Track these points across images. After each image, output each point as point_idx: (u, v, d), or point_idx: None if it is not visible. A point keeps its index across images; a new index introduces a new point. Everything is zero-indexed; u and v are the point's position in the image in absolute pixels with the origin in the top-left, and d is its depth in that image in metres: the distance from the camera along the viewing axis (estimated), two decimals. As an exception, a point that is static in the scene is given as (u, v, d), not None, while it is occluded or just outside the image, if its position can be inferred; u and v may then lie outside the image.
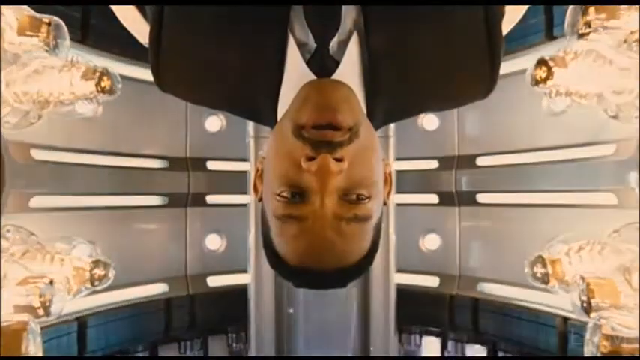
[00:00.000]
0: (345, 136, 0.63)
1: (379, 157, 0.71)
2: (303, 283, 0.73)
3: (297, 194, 0.65)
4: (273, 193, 0.67)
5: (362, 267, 0.71)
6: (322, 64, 0.71)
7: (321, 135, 0.62)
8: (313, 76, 0.71)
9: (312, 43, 0.72)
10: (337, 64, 0.71)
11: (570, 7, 1.89)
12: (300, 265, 0.68)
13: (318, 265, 0.67)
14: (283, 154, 0.66)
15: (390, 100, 0.75)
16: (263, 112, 0.75)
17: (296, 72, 0.72)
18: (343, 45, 0.72)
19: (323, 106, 0.63)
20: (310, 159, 0.63)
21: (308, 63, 0.71)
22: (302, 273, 0.69)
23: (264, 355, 3.03)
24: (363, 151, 0.66)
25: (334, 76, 0.70)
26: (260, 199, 0.77)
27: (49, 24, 1.90)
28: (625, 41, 1.87)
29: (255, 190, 0.79)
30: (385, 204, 0.76)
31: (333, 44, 0.72)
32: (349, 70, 0.72)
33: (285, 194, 0.66)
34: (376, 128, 0.78)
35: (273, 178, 0.68)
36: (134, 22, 0.91)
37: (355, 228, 0.66)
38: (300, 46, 0.72)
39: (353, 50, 0.72)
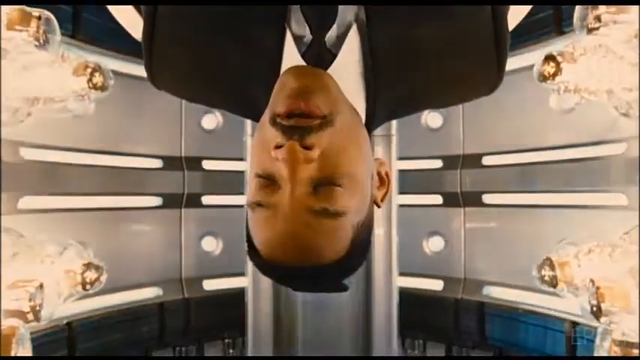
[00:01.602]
0: (314, 121, 0.63)
1: (362, 150, 0.70)
2: (277, 279, 0.73)
3: (270, 183, 0.65)
4: (250, 180, 0.68)
5: (341, 270, 0.70)
6: (318, 56, 0.71)
7: (291, 121, 0.63)
8: None
9: (308, 35, 0.72)
10: (334, 56, 0.71)
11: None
12: (271, 258, 0.67)
13: (287, 260, 0.66)
14: (260, 141, 0.67)
15: (392, 96, 0.75)
16: (260, 108, 0.76)
17: (292, 65, 0.71)
18: (341, 37, 0.72)
19: (296, 94, 0.64)
20: (279, 146, 0.63)
21: (304, 55, 0.71)
22: (273, 267, 0.68)
23: (263, 355, 3.02)
24: (338, 140, 0.65)
25: (331, 69, 0.70)
26: None
27: (38, 18, 1.90)
28: (636, 36, 1.87)
29: None
30: (379, 206, 0.75)
31: (331, 36, 0.72)
32: (347, 63, 0.72)
33: (257, 182, 0.66)
34: (378, 125, 0.78)
35: (250, 167, 0.69)
36: (128, 17, 0.91)
37: (326, 223, 0.65)
38: (297, 38, 0.72)
39: (352, 43, 0.72)
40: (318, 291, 0.74)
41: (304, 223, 0.65)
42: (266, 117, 0.68)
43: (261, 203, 0.66)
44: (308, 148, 0.63)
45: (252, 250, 0.72)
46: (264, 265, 0.70)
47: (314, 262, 0.66)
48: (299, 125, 0.63)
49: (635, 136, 2.20)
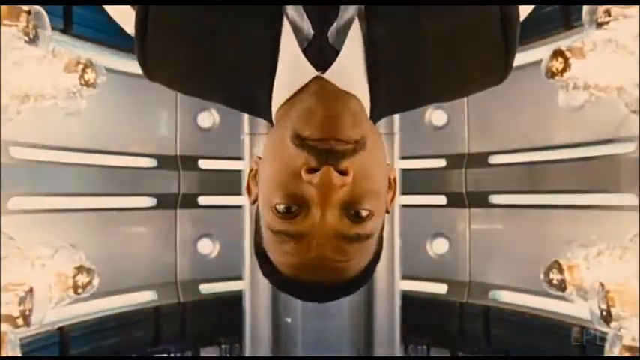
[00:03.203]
0: (348, 146, 0.63)
1: (385, 168, 0.71)
2: (296, 295, 0.74)
3: (296, 206, 0.65)
4: (269, 204, 0.67)
5: (362, 280, 0.72)
6: (320, 53, 0.71)
7: (325, 144, 0.62)
8: (310, 66, 0.70)
9: (309, 30, 0.72)
10: (337, 53, 0.71)
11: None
12: (295, 278, 0.68)
13: (314, 280, 0.67)
14: (282, 162, 0.66)
15: (395, 90, 0.75)
16: (257, 103, 0.75)
17: (292, 61, 0.71)
18: (343, 32, 0.71)
19: (327, 122, 0.63)
20: (312, 170, 0.62)
21: (305, 52, 0.71)
22: (297, 286, 0.69)
23: (262, 355, 3.03)
24: (369, 163, 0.65)
25: (334, 66, 0.70)
26: (253, 202, 0.77)
27: (28, 12, 1.90)
28: (647, 30, 1.87)
29: (249, 191, 0.79)
30: (387, 212, 0.75)
31: (332, 31, 0.72)
32: (350, 60, 0.71)
33: (281, 208, 0.65)
34: (380, 118, 0.78)
35: (270, 187, 0.67)
36: (120, 11, 0.91)
37: (357, 247, 0.67)
38: (297, 33, 0.71)
39: (355, 38, 0.71)
40: (333, 300, 0.75)
41: (336, 250, 0.66)
42: (283, 134, 0.66)
43: (289, 233, 0.66)
44: (342, 172, 0.62)
45: (269, 268, 0.72)
46: (286, 282, 0.70)
47: (340, 280, 0.68)
48: (334, 150, 0.62)
49: (647, 134, 2.20)
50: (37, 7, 1.93)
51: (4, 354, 1.79)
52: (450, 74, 0.76)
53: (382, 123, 0.80)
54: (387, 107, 0.77)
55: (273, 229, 0.67)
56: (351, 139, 0.64)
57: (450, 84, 0.78)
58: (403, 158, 3.07)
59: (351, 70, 0.72)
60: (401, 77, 0.74)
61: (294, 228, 0.65)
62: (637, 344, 1.82)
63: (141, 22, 0.73)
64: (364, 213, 0.66)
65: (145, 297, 3.03)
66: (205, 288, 3.23)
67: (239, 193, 3.09)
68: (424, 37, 0.72)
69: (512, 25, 0.73)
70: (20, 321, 1.86)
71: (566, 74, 2.13)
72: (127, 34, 0.81)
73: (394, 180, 0.79)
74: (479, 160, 3.06)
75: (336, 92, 0.69)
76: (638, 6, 1.84)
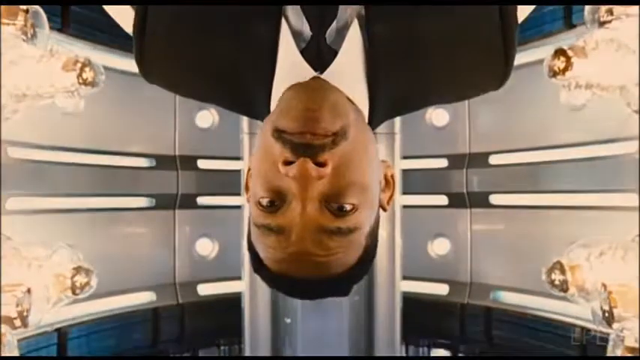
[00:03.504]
0: (327, 139, 0.63)
1: (373, 158, 0.70)
2: (285, 291, 0.73)
3: (278, 200, 0.65)
4: (254, 198, 0.68)
5: (352, 277, 0.71)
6: (318, 53, 0.71)
7: (301, 138, 0.62)
8: (308, 67, 0.70)
9: (307, 31, 0.72)
10: (335, 53, 0.71)
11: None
12: (282, 273, 0.68)
13: (300, 275, 0.67)
14: (263, 155, 0.66)
15: (395, 92, 0.75)
16: (255, 105, 0.75)
17: (290, 62, 0.71)
18: (342, 33, 0.71)
19: (304, 115, 0.63)
20: (289, 163, 0.62)
21: (303, 52, 0.71)
22: (283, 280, 0.69)
23: (261, 356, 3.03)
24: (351, 154, 0.65)
25: (332, 67, 0.70)
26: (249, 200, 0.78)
27: (26, 11, 1.90)
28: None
29: (247, 190, 0.79)
30: (385, 209, 0.75)
31: (331, 32, 0.72)
32: (349, 61, 0.71)
33: (265, 202, 0.66)
34: (380, 122, 0.77)
35: (256, 182, 0.68)
36: (119, 9, 0.90)
37: (339, 240, 0.66)
38: (295, 33, 0.71)
39: (353, 38, 0.71)
40: (325, 297, 0.75)
41: (317, 243, 0.65)
42: (265, 128, 0.67)
43: (270, 226, 0.66)
44: (320, 164, 0.63)
45: (258, 263, 0.72)
46: (273, 279, 0.70)
47: (327, 276, 0.68)
48: (311, 144, 0.63)
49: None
50: (35, 6, 1.93)
51: (2, 355, 1.79)
52: (449, 76, 0.76)
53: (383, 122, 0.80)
54: (386, 109, 0.77)
55: (257, 223, 0.68)
56: (329, 131, 0.63)
57: (449, 86, 0.78)
58: (404, 158, 3.07)
59: (349, 70, 0.71)
60: (400, 78, 0.74)
61: (275, 222, 0.66)
62: (639, 345, 1.82)
63: (139, 22, 0.73)
64: (348, 207, 0.65)
65: (143, 298, 3.03)
66: (204, 289, 3.22)
67: (238, 193, 3.09)
68: (423, 38, 0.72)
69: (511, 28, 0.73)
70: (18, 322, 1.86)
71: (568, 73, 2.13)
72: (125, 33, 0.81)
73: (392, 177, 0.78)
74: (480, 160, 3.06)
75: (317, 86, 0.69)
76: (638, 6, 1.84)
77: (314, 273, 0.67)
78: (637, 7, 1.87)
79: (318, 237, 0.65)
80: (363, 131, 0.70)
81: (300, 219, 0.64)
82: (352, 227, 0.66)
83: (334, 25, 0.72)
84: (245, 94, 0.76)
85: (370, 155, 0.69)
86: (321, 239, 0.65)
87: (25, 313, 1.87)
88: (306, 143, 0.62)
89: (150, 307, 3.03)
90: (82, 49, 2.47)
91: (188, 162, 3.21)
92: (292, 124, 0.63)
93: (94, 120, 2.77)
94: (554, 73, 2.16)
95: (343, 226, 0.65)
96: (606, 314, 1.90)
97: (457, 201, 3.14)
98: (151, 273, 3.10)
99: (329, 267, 0.67)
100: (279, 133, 0.64)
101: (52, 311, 2.22)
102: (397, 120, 2.96)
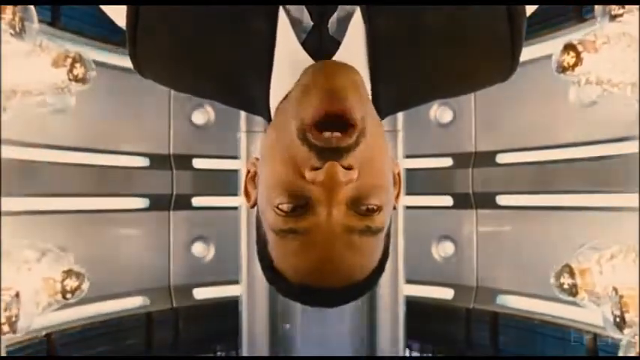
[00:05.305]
0: (352, 139, 0.62)
1: (388, 157, 0.70)
2: (306, 302, 0.73)
3: (300, 206, 0.65)
4: (271, 204, 0.66)
5: (373, 280, 0.71)
6: (320, 45, 0.71)
7: (328, 141, 0.61)
8: (309, 59, 0.70)
9: (308, 21, 0.71)
10: (338, 44, 0.70)
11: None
12: (303, 283, 0.67)
13: (324, 284, 0.67)
14: (284, 159, 0.65)
15: (398, 85, 0.75)
16: (254, 99, 0.75)
17: (289, 54, 0.71)
18: (344, 23, 0.71)
19: (330, 94, 0.62)
20: (315, 169, 0.62)
21: (304, 44, 0.71)
22: (305, 292, 0.68)
23: (260, 356, 3.03)
24: (372, 154, 0.65)
25: (335, 57, 0.69)
26: (253, 206, 0.76)
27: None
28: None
29: (247, 194, 0.78)
30: (395, 208, 0.75)
31: (333, 22, 0.71)
32: (351, 52, 0.71)
33: (285, 207, 0.65)
34: (382, 117, 0.77)
35: (271, 186, 0.67)
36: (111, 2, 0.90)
37: (368, 241, 0.66)
38: (295, 24, 0.71)
39: (356, 29, 0.71)
40: (344, 304, 0.74)
41: (348, 245, 0.65)
42: (288, 127, 0.65)
43: (294, 230, 0.66)
44: (347, 168, 0.63)
45: (273, 274, 0.71)
46: (295, 290, 0.70)
47: (352, 281, 0.68)
48: (338, 147, 0.62)
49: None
50: (24, -1, 1.93)
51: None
52: (454, 67, 0.75)
53: (385, 119, 0.79)
54: (389, 103, 0.77)
55: (276, 229, 0.67)
56: (356, 115, 0.62)
57: (454, 77, 0.78)
58: (407, 157, 3.07)
59: (351, 61, 0.71)
60: (404, 69, 0.74)
61: (300, 225, 0.65)
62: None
63: (133, 14, 0.73)
64: (372, 207, 0.66)
65: (136, 302, 3.03)
66: (200, 293, 3.22)
67: (235, 194, 3.09)
68: (428, 28, 0.72)
69: (519, 16, 0.72)
70: (6, 327, 1.86)
71: (577, 69, 2.13)
72: (117, 27, 0.81)
73: (399, 175, 0.79)
74: (486, 159, 3.06)
75: (335, 63, 0.68)
76: (639, 5, 1.84)
77: (342, 278, 0.67)
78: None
79: (347, 238, 0.65)
80: (378, 125, 0.70)
81: (327, 223, 0.64)
82: (380, 226, 0.67)
83: (337, 14, 0.72)
84: (242, 88, 0.76)
85: (387, 153, 0.70)
86: (351, 239, 0.65)
87: (13, 319, 1.87)
88: (334, 147, 0.62)
89: (143, 312, 3.04)
90: (72, 44, 2.47)
91: (183, 161, 3.21)
92: (317, 106, 0.62)
93: (85, 118, 2.77)
94: (563, 69, 2.16)
95: (372, 225, 0.66)
96: (617, 319, 1.90)
97: (462, 202, 3.14)
98: (144, 276, 3.10)
99: (358, 271, 0.68)
100: (304, 134, 0.63)
101: (42, 316, 2.22)
102: (400, 116, 2.96)
